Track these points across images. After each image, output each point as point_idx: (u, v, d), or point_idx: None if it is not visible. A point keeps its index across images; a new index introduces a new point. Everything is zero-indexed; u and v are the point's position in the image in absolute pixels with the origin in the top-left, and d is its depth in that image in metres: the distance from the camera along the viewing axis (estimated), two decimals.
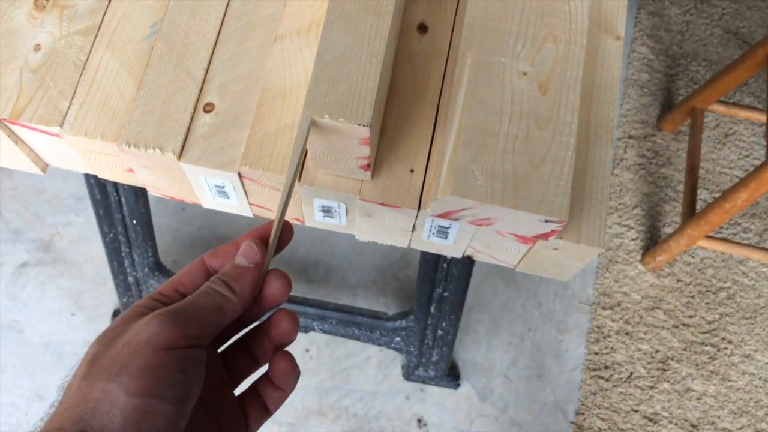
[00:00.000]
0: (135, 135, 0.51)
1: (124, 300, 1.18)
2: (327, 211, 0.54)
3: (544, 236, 0.49)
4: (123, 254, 1.10)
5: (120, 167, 0.56)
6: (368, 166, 0.49)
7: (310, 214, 0.55)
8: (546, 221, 0.46)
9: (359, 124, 0.44)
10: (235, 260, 0.39)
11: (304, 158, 0.51)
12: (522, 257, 0.55)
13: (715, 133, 1.37)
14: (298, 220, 0.57)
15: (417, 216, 0.52)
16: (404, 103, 0.53)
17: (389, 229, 0.55)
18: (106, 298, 1.27)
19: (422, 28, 0.56)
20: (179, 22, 0.55)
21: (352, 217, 0.55)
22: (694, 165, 1.23)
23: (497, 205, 0.46)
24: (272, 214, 0.56)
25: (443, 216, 0.50)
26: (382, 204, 0.51)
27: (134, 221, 1.03)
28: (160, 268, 1.13)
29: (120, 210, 1.02)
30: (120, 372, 0.33)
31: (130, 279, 1.14)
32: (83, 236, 1.31)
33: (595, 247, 0.50)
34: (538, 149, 0.47)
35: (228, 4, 0.56)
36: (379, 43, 0.46)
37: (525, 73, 0.49)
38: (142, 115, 0.52)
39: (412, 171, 0.51)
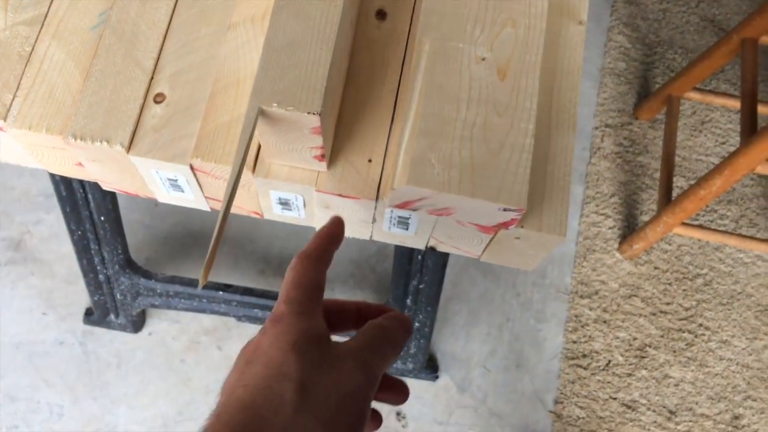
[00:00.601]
0: (81, 127, 0.49)
1: (95, 298, 1.16)
2: (284, 203, 0.53)
3: (505, 225, 0.48)
4: (92, 252, 1.08)
5: (69, 161, 0.54)
6: (323, 156, 0.47)
7: (267, 207, 0.54)
8: (505, 210, 0.45)
9: (309, 113, 0.42)
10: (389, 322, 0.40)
11: (258, 149, 0.50)
12: (485, 247, 0.54)
13: (692, 121, 1.37)
14: (257, 213, 0.56)
15: (376, 207, 0.50)
16: (362, 91, 0.52)
17: (350, 221, 0.53)
18: (78, 296, 1.24)
19: (381, 15, 0.54)
20: (128, 11, 0.53)
21: (310, 210, 0.53)
22: (670, 153, 1.22)
23: (454, 194, 0.44)
24: None
25: (401, 206, 0.48)
26: (340, 195, 0.49)
27: (102, 218, 1.01)
28: (131, 266, 1.11)
29: (87, 207, 1.00)
30: (334, 425, 0.34)
31: (101, 277, 1.12)
32: (54, 234, 1.29)
33: (557, 236, 0.49)
34: (496, 136, 0.46)
35: None
36: (330, 29, 0.44)
37: (483, 59, 0.48)
38: (89, 107, 0.50)
39: (370, 161, 0.50)
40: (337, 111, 0.50)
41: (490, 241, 0.52)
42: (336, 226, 0.43)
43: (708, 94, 1.25)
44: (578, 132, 1.36)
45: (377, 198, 0.49)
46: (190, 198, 0.55)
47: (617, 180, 1.33)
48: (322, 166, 0.49)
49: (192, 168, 0.50)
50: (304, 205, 0.52)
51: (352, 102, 0.51)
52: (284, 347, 0.36)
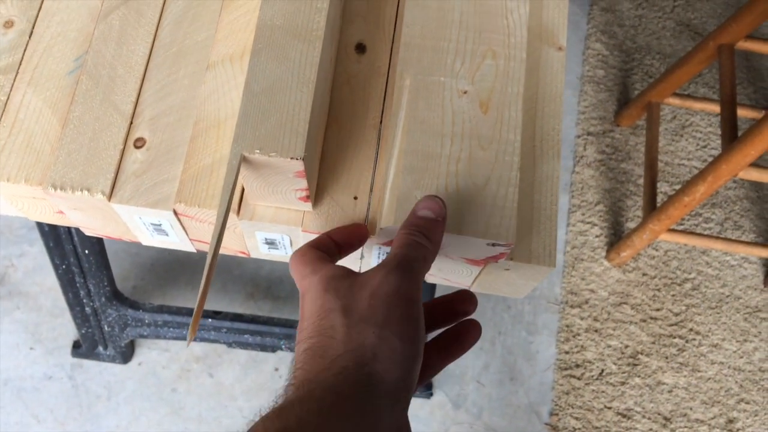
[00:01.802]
0: (61, 177, 0.48)
1: (83, 331, 1.14)
2: (271, 243, 0.52)
3: (494, 258, 0.48)
4: (78, 285, 1.06)
5: (49, 210, 0.53)
6: (308, 197, 0.47)
7: (254, 246, 0.53)
8: (493, 245, 0.45)
9: (292, 158, 0.42)
10: (418, 212, 0.42)
11: (242, 191, 0.49)
12: (475, 278, 0.54)
13: (672, 126, 1.38)
14: (243, 252, 0.55)
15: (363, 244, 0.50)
16: (344, 127, 0.52)
17: None
18: (65, 329, 1.23)
19: (360, 48, 0.54)
20: (105, 54, 0.52)
21: (297, 248, 0.53)
22: (653, 159, 1.23)
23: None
24: None
25: (389, 244, 0.48)
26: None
27: (86, 251, 1.00)
28: (117, 297, 1.10)
29: (71, 240, 0.99)
30: (387, 321, 0.37)
31: (88, 309, 1.10)
32: (38, 266, 1.27)
33: (547, 266, 0.49)
34: (481, 170, 0.46)
35: (156, 32, 0.53)
36: (310, 70, 0.44)
37: (465, 92, 0.48)
38: (68, 155, 0.49)
39: (355, 198, 0.50)
40: (320, 150, 0.50)
41: (480, 272, 0.52)
42: (356, 235, 0.47)
43: (687, 99, 1.26)
44: (561, 141, 1.37)
45: None
46: (175, 241, 0.54)
47: (602, 188, 1.33)
48: (308, 206, 0.48)
49: (176, 213, 0.49)
50: (291, 244, 0.52)
51: (335, 139, 0.51)
52: (317, 295, 0.39)
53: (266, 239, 0.51)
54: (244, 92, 0.43)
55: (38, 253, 1.28)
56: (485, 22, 0.50)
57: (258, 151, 0.42)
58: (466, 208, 0.45)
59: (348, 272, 0.41)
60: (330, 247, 0.44)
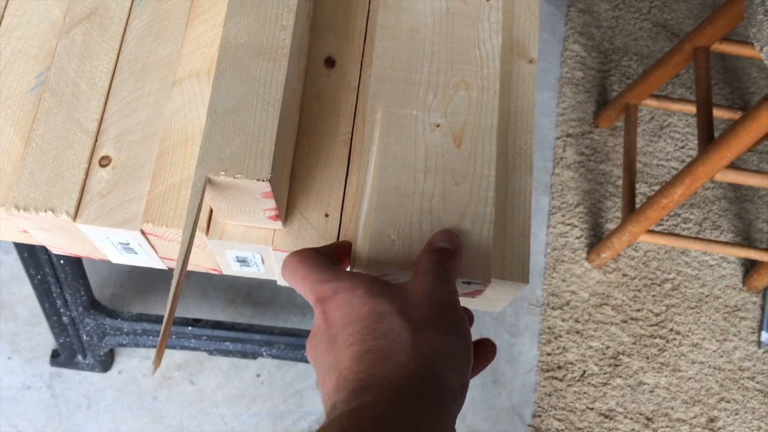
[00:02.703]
0: (24, 197, 0.47)
1: (61, 340, 1.13)
2: (242, 261, 0.51)
3: (470, 295, 0.47)
4: (54, 295, 1.05)
5: (14, 229, 0.52)
6: (277, 216, 0.46)
7: (225, 264, 0.53)
8: (469, 283, 0.45)
9: (259, 180, 0.41)
10: (436, 244, 0.43)
11: (211, 210, 0.48)
12: None
13: (651, 126, 1.39)
14: (215, 270, 0.54)
15: None
16: (314, 142, 0.51)
17: None
18: (43, 338, 1.21)
19: (330, 62, 0.53)
20: (67, 71, 0.51)
21: (269, 265, 0.52)
22: (631, 161, 1.23)
23: None
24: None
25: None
26: None
27: (62, 261, 0.99)
28: (95, 306, 1.08)
29: (45, 250, 0.97)
30: (449, 328, 0.38)
31: (65, 319, 1.09)
32: (14, 275, 1.25)
33: (520, 282, 0.48)
34: (456, 207, 0.45)
35: (120, 47, 0.52)
36: (275, 89, 0.43)
37: (438, 125, 0.47)
38: (31, 175, 0.48)
39: (327, 215, 0.49)
40: (289, 168, 0.49)
41: None
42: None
43: (665, 100, 1.27)
44: (541, 143, 1.37)
45: None
46: (145, 259, 0.53)
47: (581, 189, 1.33)
48: (278, 224, 0.47)
49: (143, 233, 0.48)
50: (263, 261, 0.51)
51: (305, 155, 0.50)
52: (362, 300, 0.38)
53: (237, 257, 0.51)
54: (208, 113, 0.43)
55: (14, 261, 1.26)
56: (457, 52, 0.49)
57: (223, 173, 0.41)
58: None
59: (375, 280, 0.40)
60: (331, 257, 0.44)
